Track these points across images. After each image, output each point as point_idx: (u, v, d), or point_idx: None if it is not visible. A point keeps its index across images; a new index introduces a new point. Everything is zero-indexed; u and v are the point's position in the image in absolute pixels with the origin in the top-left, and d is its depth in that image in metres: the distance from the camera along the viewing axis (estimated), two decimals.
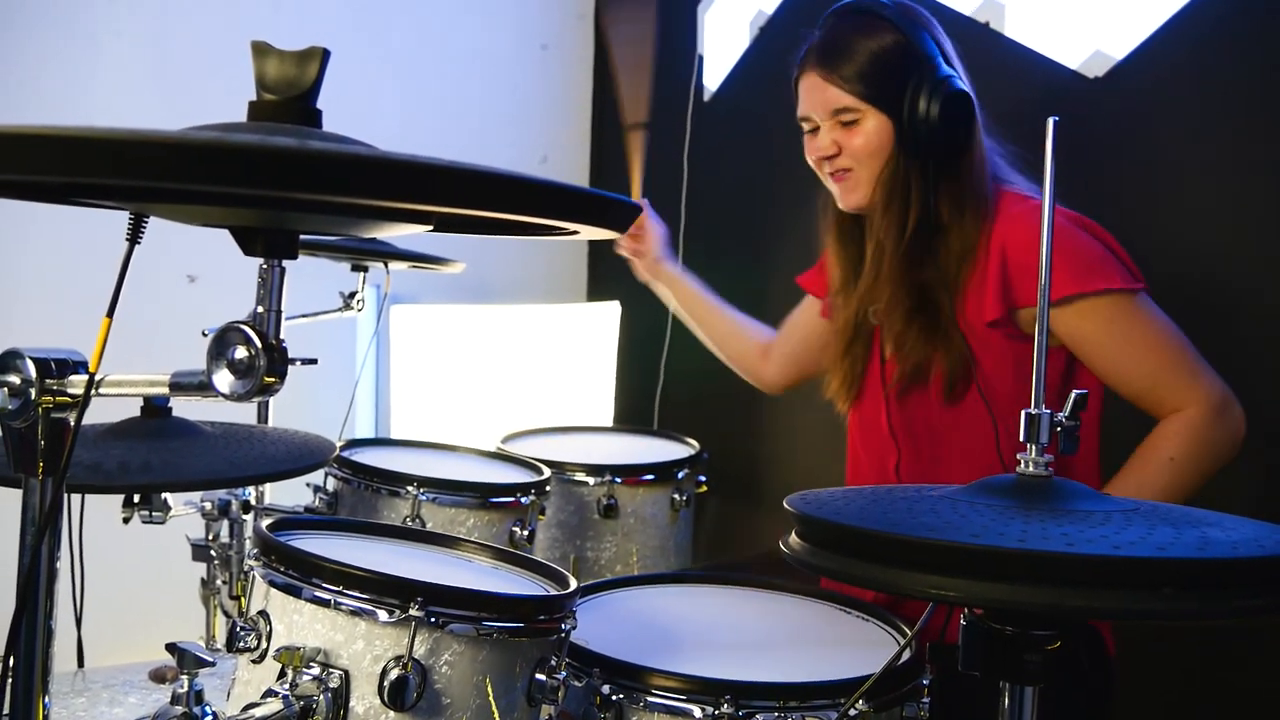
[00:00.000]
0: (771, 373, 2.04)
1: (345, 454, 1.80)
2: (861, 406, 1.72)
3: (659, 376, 3.05)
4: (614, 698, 1.16)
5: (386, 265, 2.09)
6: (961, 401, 1.54)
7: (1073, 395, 0.94)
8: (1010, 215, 1.50)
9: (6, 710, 0.89)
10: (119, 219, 0.84)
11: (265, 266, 0.82)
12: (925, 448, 1.61)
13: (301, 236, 0.85)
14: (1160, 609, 0.74)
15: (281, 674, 1.07)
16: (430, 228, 0.89)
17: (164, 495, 1.50)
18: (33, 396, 0.86)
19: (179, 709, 1.13)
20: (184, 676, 1.14)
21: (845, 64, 1.52)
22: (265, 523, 1.24)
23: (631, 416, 3.11)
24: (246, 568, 1.73)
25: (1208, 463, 1.44)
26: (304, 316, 2.04)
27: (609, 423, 3.04)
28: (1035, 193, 1.52)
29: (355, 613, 1.07)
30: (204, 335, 0.82)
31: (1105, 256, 1.46)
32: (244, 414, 1.67)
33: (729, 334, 2.06)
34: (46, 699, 0.91)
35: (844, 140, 1.56)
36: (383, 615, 1.06)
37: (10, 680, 0.90)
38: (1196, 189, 1.81)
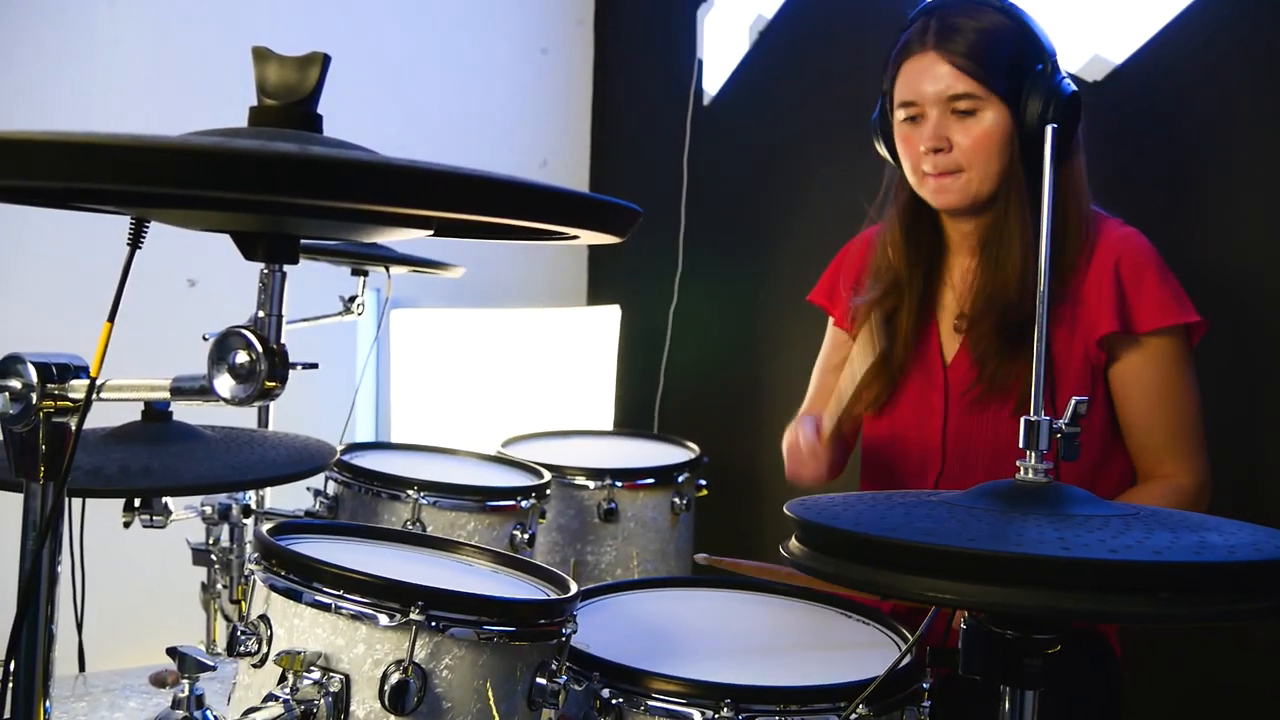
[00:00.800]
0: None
1: (346, 458, 1.80)
2: (896, 415, 1.66)
3: (659, 380, 3.05)
4: (614, 702, 1.16)
5: (387, 269, 2.10)
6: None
7: (1072, 402, 0.94)
8: (1121, 235, 1.50)
9: (8, 714, 0.89)
10: (120, 224, 0.84)
11: (266, 271, 0.82)
12: (979, 464, 1.56)
13: (302, 241, 0.85)
14: (1157, 613, 0.75)
15: (282, 678, 1.07)
16: (431, 232, 0.89)
17: (165, 499, 1.50)
18: (34, 401, 0.86)
19: (180, 713, 1.14)
20: (185, 681, 1.15)
21: (970, 47, 1.44)
22: (266, 527, 1.24)
23: (631, 420, 3.12)
24: (247, 572, 1.73)
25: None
26: (304, 321, 2.05)
27: (609, 426, 3.04)
28: (1119, 220, 1.54)
29: (356, 617, 1.07)
30: (205, 339, 0.82)
31: (1183, 292, 1.49)
32: (244, 418, 1.67)
33: None
34: (47, 703, 0.91)
35: (957, 132, 1.47)
36: (383, 619, 1.06)
37: (11, 684, 0.90)
38: (1196, 192, 1.81)
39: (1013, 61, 1.45)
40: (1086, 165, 1.55)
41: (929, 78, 1.47)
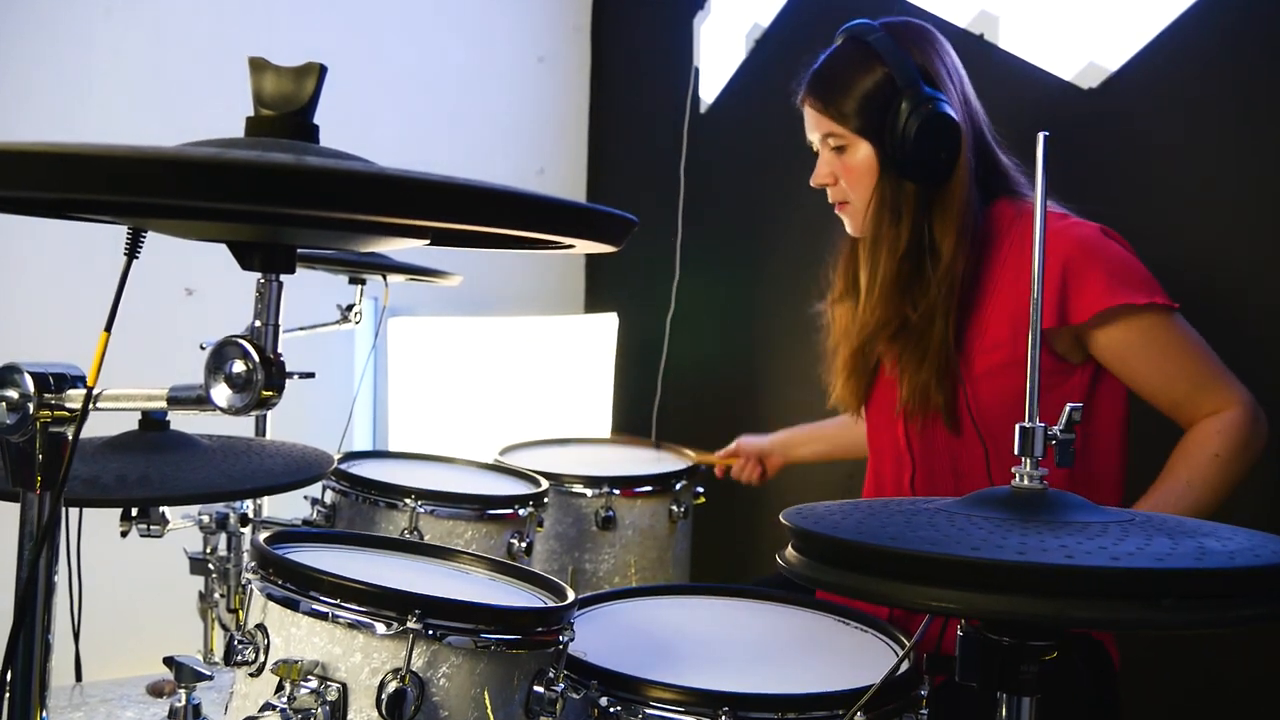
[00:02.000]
0: None
1: (343, 466, 1.80)
2: (872, 416, 1.73)
3: (656, 388, 3.06)
4: (612, 710, 1.16)
5: (384, 278, 2.10)
6: (961, 434, 1.55)
7: (1066, 409, 0.94)
8: (1056, 231, 1.50)
9: None
10: (117, 233, 0.85)
11: (263, 280, 0.82)
12: (943, 466, 1.60)
13: (299, 250, 0.86)
14: (1158, 619, 0.75)
15: (279, 687, 1.07)
16: (427, 241, 0.89)
17: (162, 509, 1.50)
18: (31, 411, 0.86)
19: None
20: (182, 690, 1.14)
21: (833, 94, 1.55)
22: (263, 536, 1.24)
23: (629, 428, 3.12)
24: (244, 581, 1.73)
25: (1247, 462, 1.46)
26: (302, 329, 2.05)
27: (606, 434, 3.04)
28: (1065, 210, 1.54)
29: (353, 625, 1.07)
30: (202, 349, 0.83)
31: (1146, 272, 1.49)
32: (242, 427, 1.67)
33: (854, 438, 2.01)
34: (44, 713, 0.91)
35: (838, 168, 1.59)
36: (380, 628, 1.06)
37: (8, 694, 0.89)
38: (1190, 198, 1.81)
39: (870, 98, 1.52)
40: (1080, 174, 1.57)
41: (808, 123, 1.62)
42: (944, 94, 1.51)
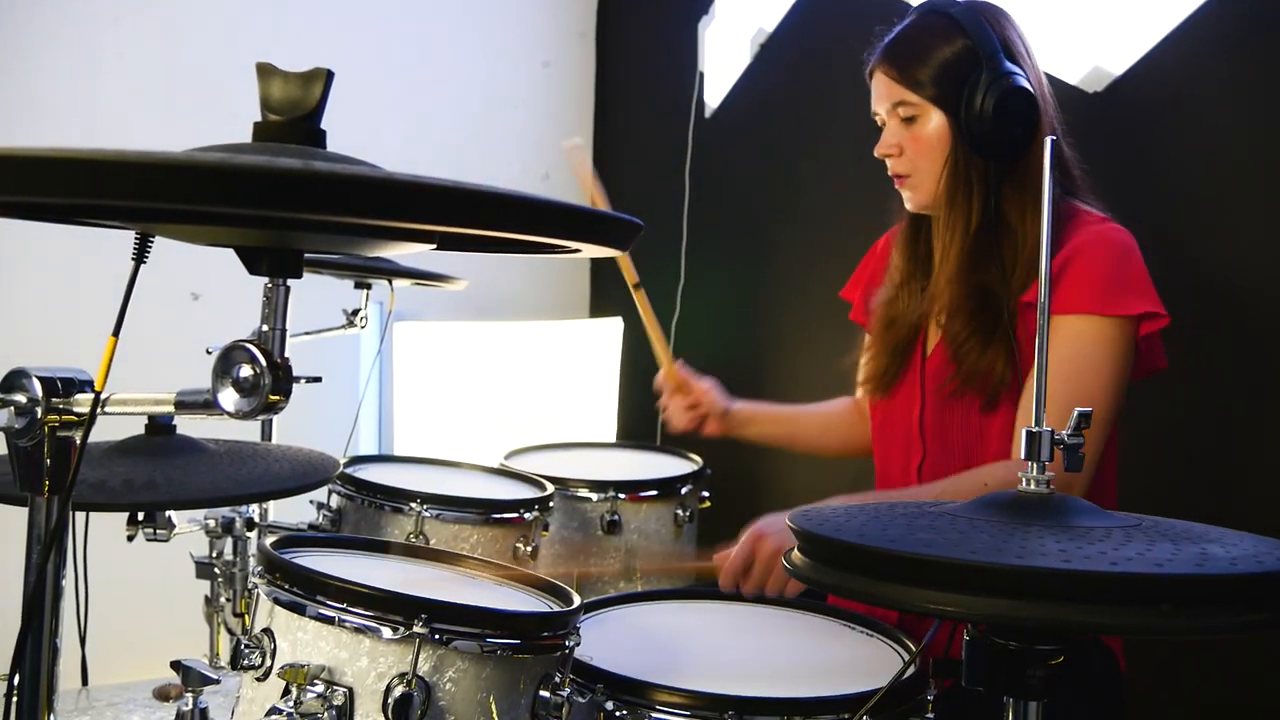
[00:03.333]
0: None
1: (349, 471, 1.80)
2: (890, 403, 1.72)
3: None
4: (618, 714, 1.16)
5: (390, 282, 2.10)
6: (997, 411, 1.54)
7: (1075, 412, 0.94)
8: (1088, 225, 1.51)
9: None
10: (124, 238, 0.85)
11: (270, 285, 0.83)
12: (957, 453, 1.60)
13: (305, 254, 0.86)
14: (1157, 625, 0.75)
15: (286, 691, 1.07)
16: (434, 246, 0.90)
17: (168, 513, 1.50)
18: (39, 415, 0.86)
19: None
20: (188, 694, 1.15)
21: (910, 62, 1.53)
22: (269, 540, 1.24)
23: (634, 432, 3.11)
24: (250, 585, 1.73)
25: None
26: (308, 334, 2.05)
27: (612, 438, 3.04)
28: (1107, 215, 1.54)
29: (359, 630, 1.07)
30: (208, 353, 0.83)
31: (1141, 284, 1.48)
32: (248, 431, 1.68)
33: (823, 429, 2.01)
34: (51, 717, 0.91)
35: (906, 139, 1.56)
36: (387, 632, 1.06)
37: (16, 698, 0.90)
38: (1197, 202, 1.81)
39: (949, 68, 1.51)
40: (1087, 178, 1.57)
41: (877, 92, 1.59)
42: (1023, 66, 1.50)
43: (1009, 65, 1.49)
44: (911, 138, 1.56)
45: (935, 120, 1.53)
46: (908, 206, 1.64)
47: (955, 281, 1.56)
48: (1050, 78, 1.97)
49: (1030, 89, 1.49)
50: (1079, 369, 1.46)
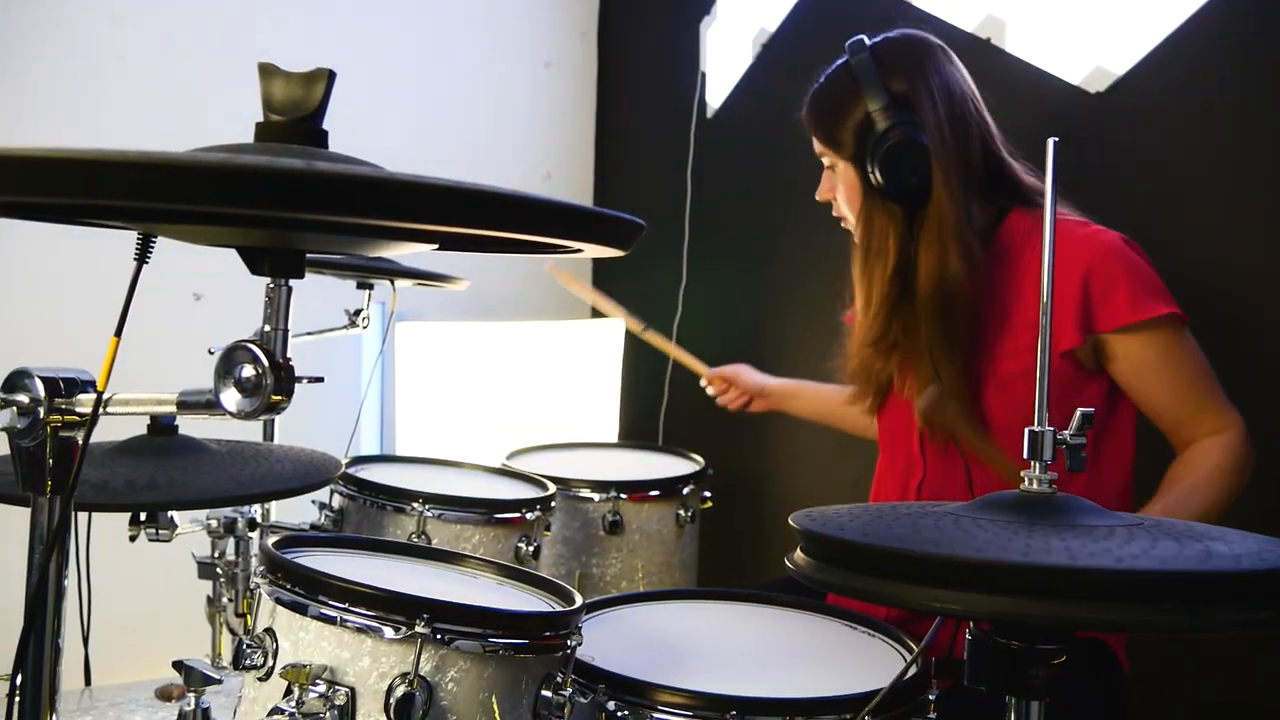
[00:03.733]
0: None
1: (351, 471, 1.80)
2: (890, 420, 1.72)
3: (663, 392, 3.06)
4: (620, 714, 1.16)
5: (392, 283, 2.10)
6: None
7: (1078, 413, 0.94)
8: (1083, 238, 1.50)
9: None
10: (127, 238, 0.85)
11: (272, 285, 0.83)
12: (957, 473, 1.58)
13: (307, 255, 0.86)
14: (1162, 622, 0.74)
15: (288, 691, 1.07)
16: (435, 246, 0.90)
17: (170, 513, 1.50)
18: (41, 415, 0.86)
19: None
20: (191, 694, 1.15)
21: (822, 119, 1.61)
22: (271, 540, 1.24)
23: (636, 432, 3.12)
24: (252, 585, 1.73)
25: (1241, 481, 1.48)
26: (310, 334, 2.05)
27: (614, 439, 3.04)
28: (1085, 218, 1.54)
29: (361, 630, 1.07)
30: (210, 354, 0.83)
31: (1163, 285, 1.50)
32: (250, 432, 1.68)
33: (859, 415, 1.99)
34: (54, 716, 0.91)
35: (834, 185, 1.65)
36: (389, 632, 1.06)
37: (18, 698, 0.90)
38: (1199, 202, 1.81)
39: (852, 125, 1.56)
40: (1088, 179, 1.57)
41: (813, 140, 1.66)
42: (920, 115, 1.51)
43: (898, 117, 1.51)
44: (838, 187, 1.63)
45: (849, 172, 1.59)
46: None
47: (875, 324, 1.59)
48: (1051, 77, 1.98)
49: (917, 137, 1.50)
50: (1186, 376, 1.50)
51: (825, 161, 1.64)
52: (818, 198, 1.68)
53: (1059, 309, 1.48)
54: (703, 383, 2.23)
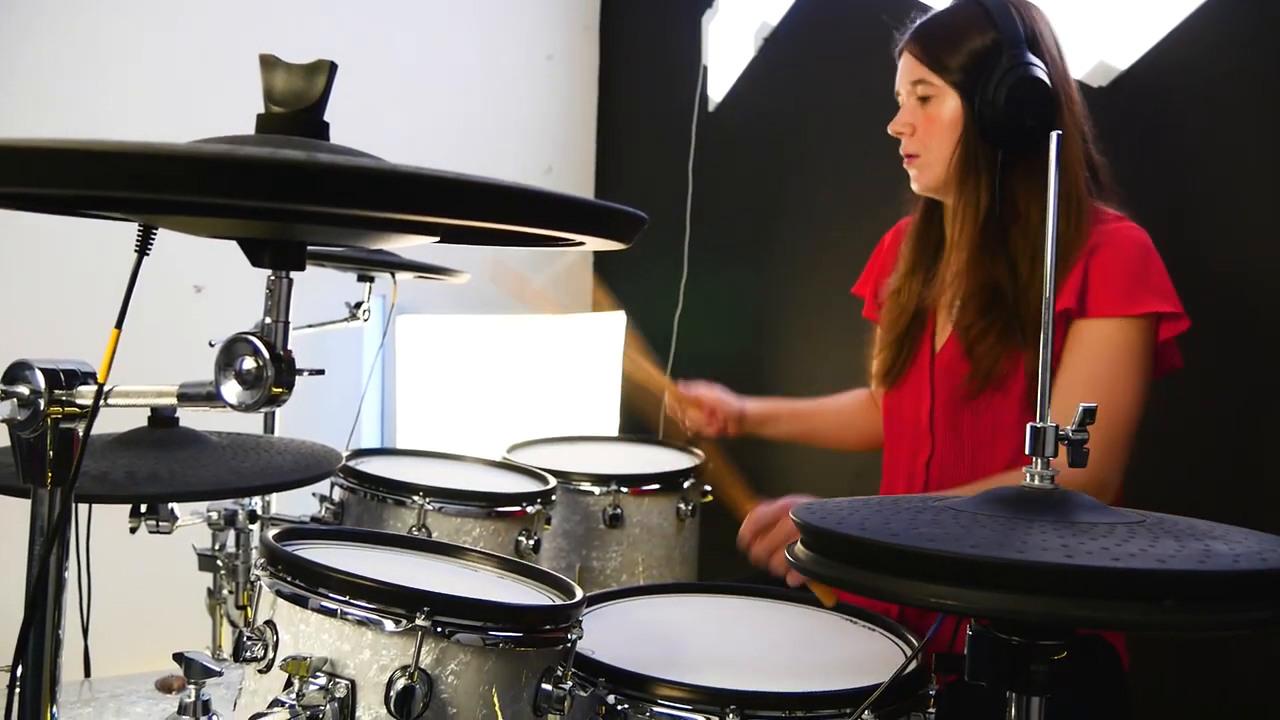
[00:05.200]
0: None
1: (351, 464, 1.80)
2: (899, 397, 1.71)
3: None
4: (620, 708, 1.16)
5: (393, 275, 2.10)
6: (1010, 407, 1.54)
7: (1080, 408, 0.94)
8: (1110, 229, 1.50)
9: (15, 719, 0.90)
10: (127, 230, 0.85)
11: (273, 278, 0.82)
12: (967, 450, 1.59)
13: (308, 247, 0.86)
14: (1159, 621, 0.74)
15: (288, 684, 1.07)
16: (437, 238, 0.90)
17: (171, 505, 1.51)
18: (42, 407, 0.86)
19: (186, 719, 1.14)
20: (191, 686, 1.15)
21: (937, 45, 1.56)
22: (272, 532, 1.24)
23: (636, 426, 3.11)
24: (253, 577, 1.73)
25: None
26: (310, 327, 2.05)
27: (614, 432, 3.04)
28: (1124, 215, 1.54)
29: (362, 622, 1.07)
30: (211, 346, 0.83)
31: (1162, 284, 1.49)
32: (250, 424, 1.68)
33: (841, 425, 2.00)
34: (54, 709, 0.91)
35: (920, 118, 1.58)
36: (389, 625, 1.06)
37: (19, 689, 0.90)
38: (1203, 196, 1.81)
39: (975, 56, 1.52)
40: (1102, 166, 1.57)
41: (902, 71, 1.61)
42: (1048, 63, 1.51)
43: (1029, 57, 1.49)
44: (926, 118, 1.57)
45: (950, 103, 1.54)
46: (914, 187, 1.64)
47: (967, 272, 1.56)
48: None
49: (1046, 82, 1.49)
50: (1107, 375, 1.47)
51: (919, 90, 1.57)
52: (892, 129, 1.62)
53: (1068, 278, 1.49)
54: (669, 406, 2.07)
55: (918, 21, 1.60)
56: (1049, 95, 1.49)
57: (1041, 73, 1.49)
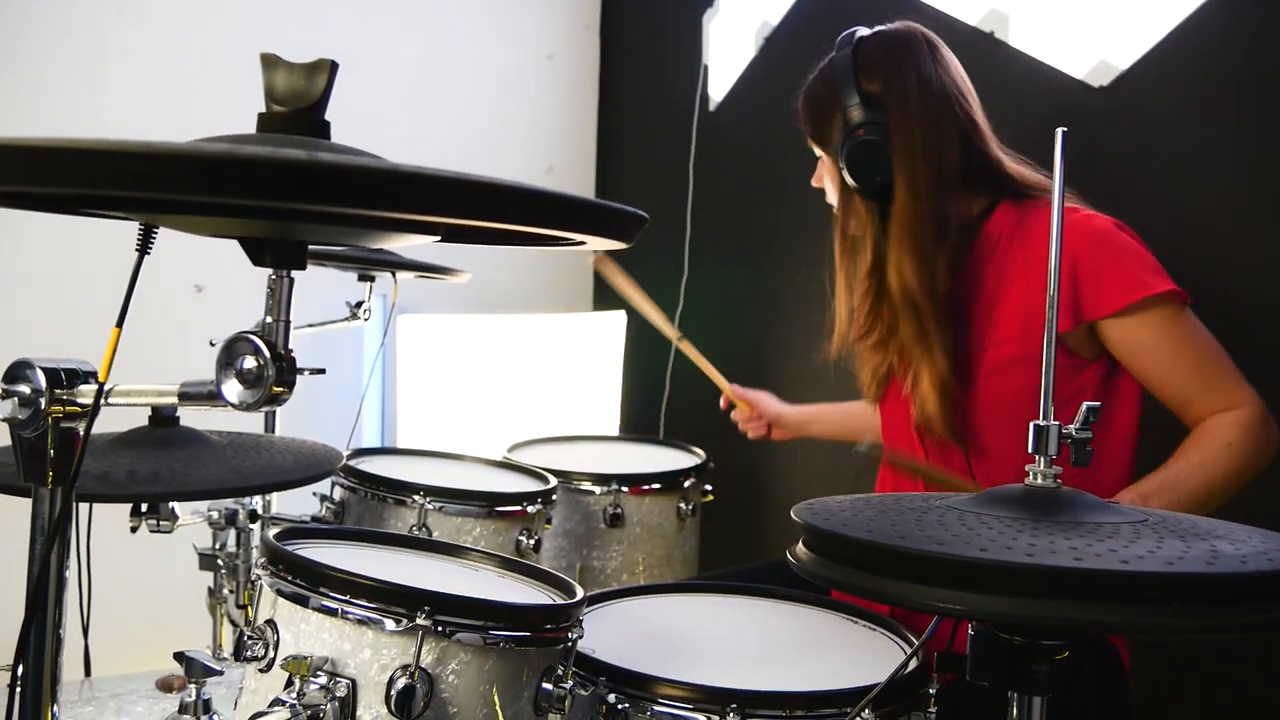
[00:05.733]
0: None
1: (352, 463, 1.80)
2: (887, 404, 1.73)
3: (665, 385, 3.05)
4: (620, 706, 1.16)
5: (393, 275, 2.10)
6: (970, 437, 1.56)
7: (1083, 407, 0.93)
8: (1070, 224, 1.49)
9: (15, 718, 0.90)
10: (128, 229, 0.85)
11: (274, 277, 0.82)
12: (958, 460, 1.60)
13: (309, 246, 0.86)
14: (1168, 624, 0.74)
15: (289, 683, 1.07)
16: (438, 238, 0.89)
17: (172, 504, 1.51)
18: (43, 406, 0.86)
19: (187, 718, 1.14)
20: (191, 685, 1.15)
21: (807, 113, 1.65)
22: (272, 532, 1.24)
23: (637, 425, 3.11)
24: (254, 577, 1.73)
25: (1257, 459, 1.46)
26: (311, 326, 2.05)
27: (615, 432, 3.04)
28: (1077, 204, 1.53)
29: (362, 622, 1.07)
30: (212, 345, 0.83)
31: (1158, 265, 1.49)
32: (251, 423, 1.68)
33: (872, 415, 1.99)
34: (55, 708, 0.91)
35: (823, 176, 1.69)
36: (390, 624, 1.06)
37: (19, 688, 0.90)
38: (1202, 196, 1.81)
39: (829, 119, 1.60)
40: (1092, 172, 1.57)
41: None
42: (888, 115, 1.53)
43: (861, 116, 1.54)
44: (823, 177, 1.69)
45: (831, 166, 1.64)
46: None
47: (858, 318, 1.65)
48: (1055, 71, 1.98)
49: (874, 139, 1.53)
50: (1177, 348, 1.47)
51: (815, 151, 1.68)
52: (812, 183, 1.72)
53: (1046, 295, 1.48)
54: (723, 403, 2.19)
55: (801, 88, 1.67)
56: (880, 151, 1.53)
57: (871, 131, 1.53)
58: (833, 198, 1.67)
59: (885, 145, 1.53)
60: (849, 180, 1.56)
